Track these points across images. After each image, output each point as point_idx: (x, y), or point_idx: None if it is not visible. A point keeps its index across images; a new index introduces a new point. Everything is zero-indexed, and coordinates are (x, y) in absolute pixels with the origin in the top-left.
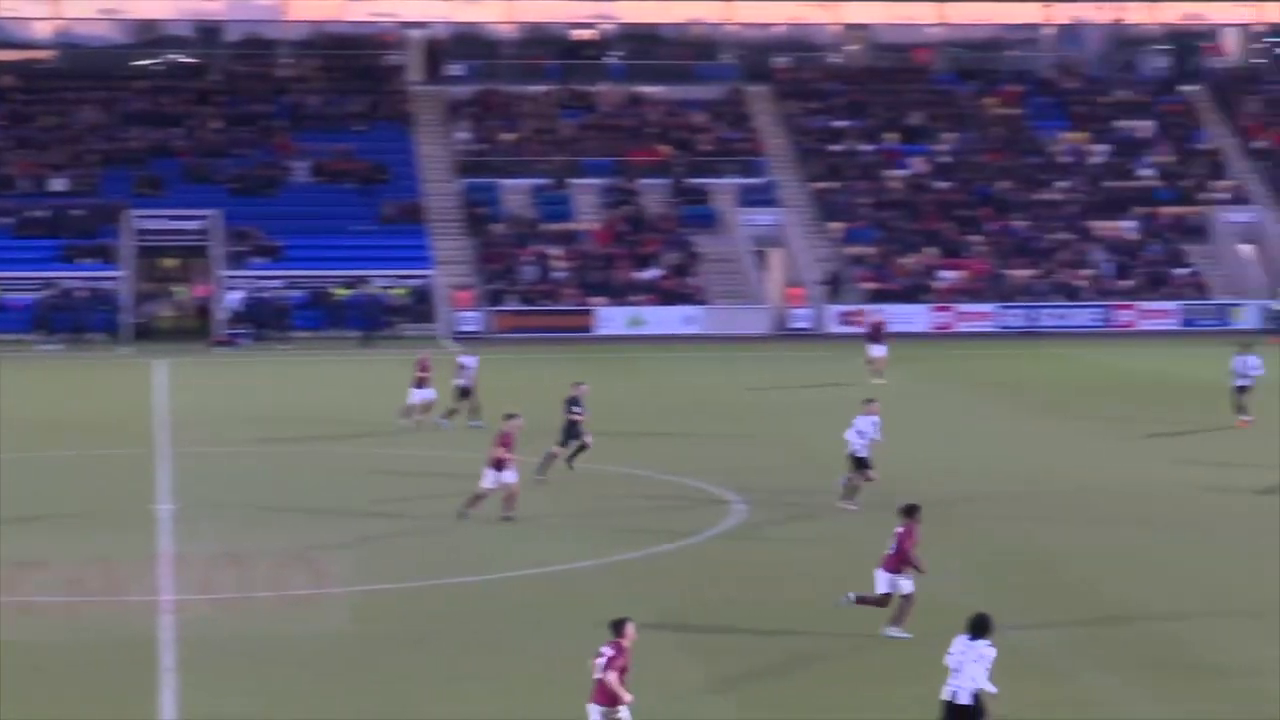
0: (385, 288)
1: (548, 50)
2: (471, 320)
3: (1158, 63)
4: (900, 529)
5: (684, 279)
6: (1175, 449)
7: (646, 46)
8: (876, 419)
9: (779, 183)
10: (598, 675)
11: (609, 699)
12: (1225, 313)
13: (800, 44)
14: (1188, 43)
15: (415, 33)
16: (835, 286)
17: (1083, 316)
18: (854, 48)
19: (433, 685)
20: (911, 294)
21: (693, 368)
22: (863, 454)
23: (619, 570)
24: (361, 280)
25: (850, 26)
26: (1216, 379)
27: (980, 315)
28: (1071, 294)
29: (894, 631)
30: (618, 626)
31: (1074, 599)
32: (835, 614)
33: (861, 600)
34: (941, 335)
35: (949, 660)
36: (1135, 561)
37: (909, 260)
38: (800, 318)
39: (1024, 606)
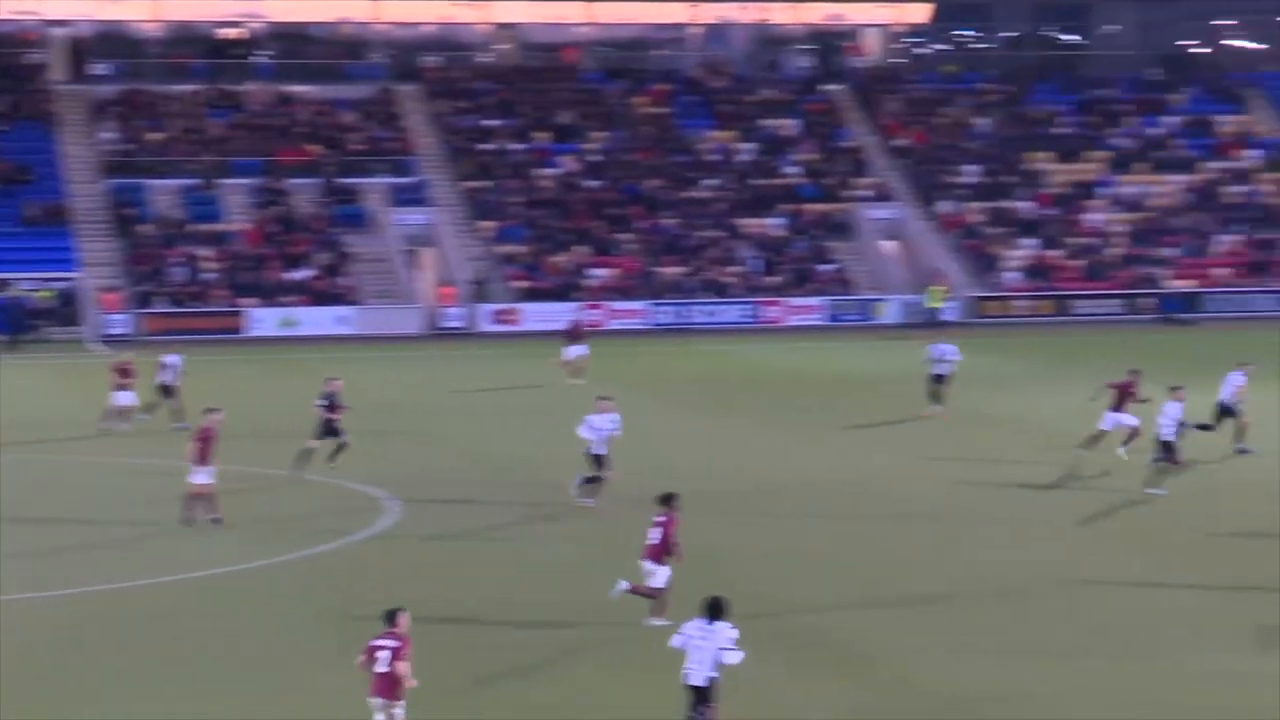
0: (30, 290)
1: (194, 49)
2: (120, 323)
3: (801, 62)
4: (662, 518)
5: (336, 279)
6: (829, 442)
7: (295, 45)
8: (615, 415)
9: (430, 182)
10: (381, 669)
11: (392, 691)
12: (869, 308)
13: (449, 43)
14: (830, 43)
15: (58, 31)
16: (482, 288)
17: (732, 313)
18: (503, 47)
19: (89, 690)
20: (563, 292)
21: (346, 368)
22: (600, 451)
23: (281, 572)
24: (4, 284)
25: (499, 26)
26: (865, 373)
27: (631, 313)
28: (720, 291)
29: (656, 622)
30: (391, 616)
31: (732, 593)
32: (503, 610)
33: (635, 590)
34: (593, 333)
35: (678, 641)
36: (792, 555)
37: (560, 258)
38: (453, 317)
39: (683, 601)
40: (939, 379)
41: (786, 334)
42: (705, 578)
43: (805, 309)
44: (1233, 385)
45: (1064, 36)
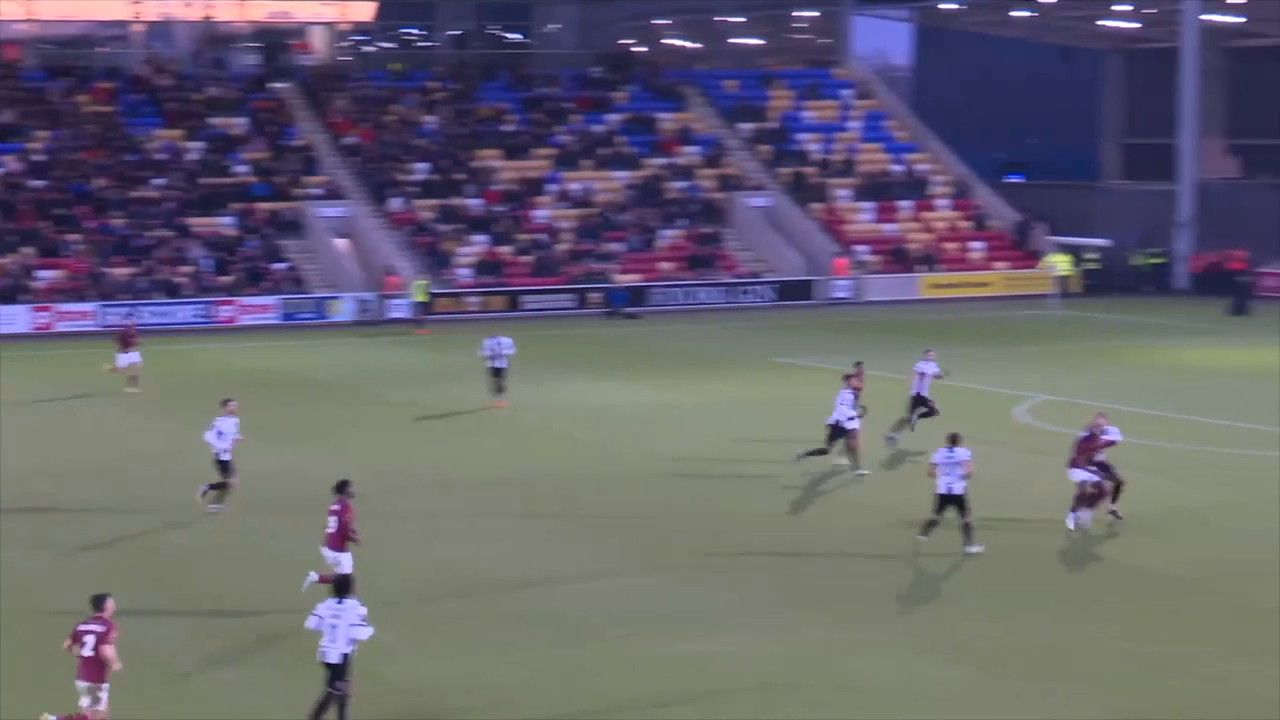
0: None
1: None
2: None
3: (248, 60)
4: (336, 505)
5: None
6: (293, 441)
7: None
8: (236, 419)
9: None
10: (87, 652)
11: (97, 675)
12: (323, 306)
13: None
14: (276, 40)
15: None
16: None
17: (185, 313)
18: None
19: None
20: (10, 294)
21: None
22: (226, 457)
23: None
24: None
25: None
26: (321, 370)
27: (82, 314)
28: (172, 291)
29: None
30: (98, 601)
31: (191, 594)
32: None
33: (324, 580)
34: (43, 335)
35: (312, 623)
36: (256, 556)
37: (6, 260)
38: None
39: (138, 601)
40: (497, 372)
41: (241, 333)
42: (167, 575)
43: (259, 308)
44: (922, 374)
45: (508, 35)
